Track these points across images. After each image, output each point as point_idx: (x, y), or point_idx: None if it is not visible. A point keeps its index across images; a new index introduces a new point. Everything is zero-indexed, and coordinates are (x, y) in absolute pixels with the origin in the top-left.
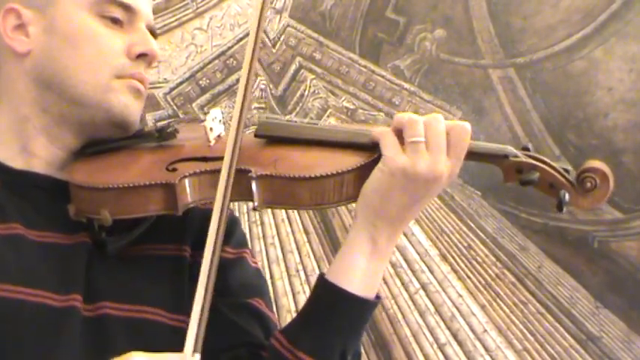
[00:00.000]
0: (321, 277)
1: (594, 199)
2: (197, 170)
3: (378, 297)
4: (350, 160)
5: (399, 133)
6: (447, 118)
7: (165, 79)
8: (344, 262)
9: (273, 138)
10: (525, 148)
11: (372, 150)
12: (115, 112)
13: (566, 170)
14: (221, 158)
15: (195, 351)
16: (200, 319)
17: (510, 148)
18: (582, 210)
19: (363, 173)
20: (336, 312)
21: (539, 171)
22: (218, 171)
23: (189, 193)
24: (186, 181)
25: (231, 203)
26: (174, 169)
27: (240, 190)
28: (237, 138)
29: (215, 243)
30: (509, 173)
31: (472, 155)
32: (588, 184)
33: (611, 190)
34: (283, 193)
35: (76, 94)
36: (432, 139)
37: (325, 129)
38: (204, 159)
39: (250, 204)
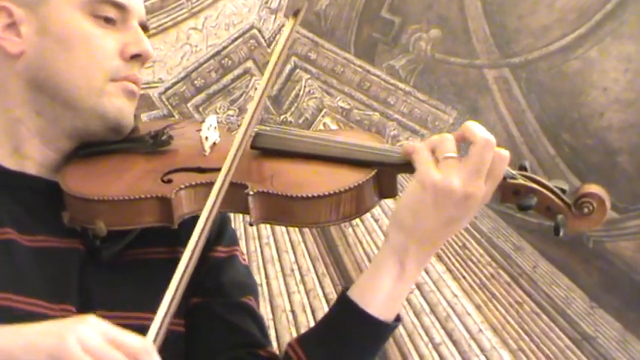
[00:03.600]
0: (344, 294)
1: (590, 223)
2: (193, 182)
3: (397, 319)
4: (348, 178)
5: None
6: (441, 118)
7: (160, 79)
8: (369, 282)
9: (270, 151)
10: (522, 168)
11: (370, 167)
12: (109, 116)
13: (563, 190)
14: (217, 170)
15: (155, 342)
16: (166, 314)
17: (508, 169)
18: (578, 233)
19: (360, 191)
20: (354, 332)
21: (537, 194)
22: (214, 183)
23: (184, 205)
24: (182, 193)
25: None
26: (170, 181)
27: (236, 204)
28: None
29: (196, 244)
30: (506, 195)
31: None
32: (585, 210)
33: (607, 214)
34: (279, 210)
35: (70, 99)
36: (475, 160)
37: (324, 142)
38: (200, 170)
39: (246, 218)
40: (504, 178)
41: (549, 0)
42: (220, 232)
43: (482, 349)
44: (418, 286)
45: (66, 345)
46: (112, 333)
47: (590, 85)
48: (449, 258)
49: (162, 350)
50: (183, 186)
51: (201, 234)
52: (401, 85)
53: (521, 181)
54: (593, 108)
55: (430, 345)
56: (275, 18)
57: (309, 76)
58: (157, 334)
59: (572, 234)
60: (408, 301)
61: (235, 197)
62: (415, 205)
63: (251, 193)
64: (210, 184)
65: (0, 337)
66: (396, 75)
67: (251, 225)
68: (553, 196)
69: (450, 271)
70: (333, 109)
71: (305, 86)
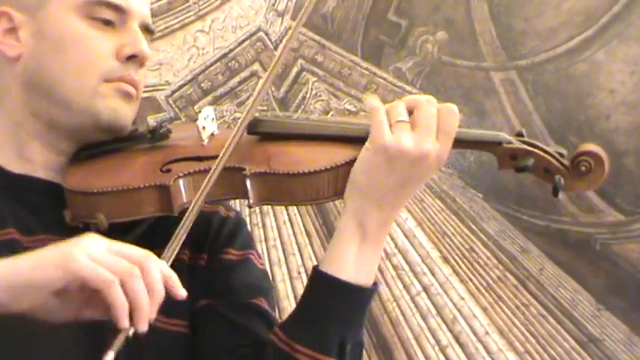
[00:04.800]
0: (314, 268)
1: (590, 182)
2: (191, 170)
3: (375, 284)
4: (343, 154)
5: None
6: None
7: (167, 81)
8: (335, 250)
9: (266, 134)
10: (519, 134)
11: (365, 142)
12: (102, 117)
13: (561, 154)
14: (214, 157)
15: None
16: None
17: (504, 135)
18: (578, 192)
19: None
20: (330, 301)
21: (534, 156)
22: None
23: (184, 194)
24: (181, 181)
25: (231, 202)
26: (169, 170)
27: (235, 188)
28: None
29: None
30: (503, 160)
31: (466, 143)
32: (583, 168)
33: (606, 172)
34: (278, 189)
35: (64, 99)
36: (421, 119)
37: (318, 123)
38: (198, 158)
39: (246, 202)
40: (500, 143)
41: (556, 2)
42: (233, 234)
43: (488, 352)
44: (425, 289)
45: (73, 255)
46: (114, 245)
47: (596, 87)
48: (455, 260)
49: (164, 351)
50: (181, 174)
51: (192, 210)
52: (408, 88)
53: (517, 145)
54: (600, 110)
55: (437, 347)
56: (282, 21)
57: (315, 78)
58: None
59: (572, 193)
60: (415, 303)
61: (234, 181)
62: (369, 168)
63: (248, 174)
64: (208, 172)
65: (6, 261)
66: (403, 77)
67: (250, 207)
68: (550, 158)
69: (456, 273)
70: (339, 111)
71: (312, 89)
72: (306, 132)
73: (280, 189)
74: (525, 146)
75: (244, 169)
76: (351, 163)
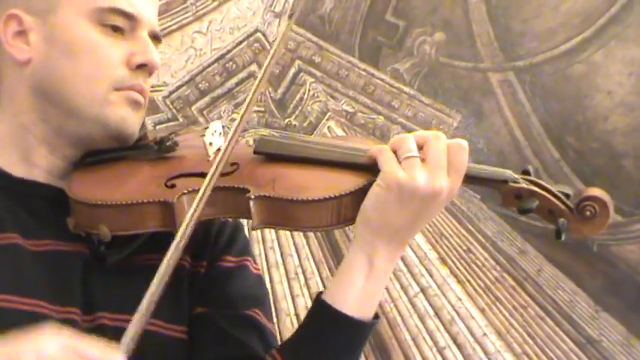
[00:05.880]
0: (318, 297)
1: (593, 227)
2: (196, 187)
3: (376, 317)
4: (349, 182)
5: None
6: (445, 122)
7: (164, 82)
8: (340, 282)
9: (273, 155)
10: (525, 172)
11: (372, 171)
12: (111, 125)
13: (567, 195)
14: (222, 174)
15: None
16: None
17: (510, 173)
18: (581, 237)
19: (361, 196)
20: (329, 333)
21: (538, 198)
22: (216, 187)
23: (187, 210)
24: (185, 198)
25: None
26: (173, 186)
27: (239, 208)
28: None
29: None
30: (507, 198)
31: (470, 179)
32: (588, 213)
33: (610, 218)
34: (281, 214)
35: (73, 107)
36: (432, 155)
37: (326, 147)
38: (203, 175)
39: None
40: (506, 182)
41: (554, 3)
42: (231, 240)
43: (486, 353)
44: (422, 290)
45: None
46: (72, 343)
47: (594, 88)
48: (453, 262)
49: (165, 357)
50: (185, 191)
51: (182, 237)
52: (405, 89)
53: (523, 184)
54: (598, 111)
55: (434, 349)
56: (279, 22)
57: (313, 79)
58: (129, 342)
59: (575, 237)
60: (412, 304)
61: (237, 202)
62: (381, 204)
63: (252, 197)
64: (213, 189)
65: None
66: (401, 78)
67: (253, 229)
68: (555, 200)
69: (454, 274)
70: (337, 112)
71: (309, 90)
72: (313, 156)
73: (283, 214)
74: (531, 186)
75: (249, 191)
76: (355, 192)
